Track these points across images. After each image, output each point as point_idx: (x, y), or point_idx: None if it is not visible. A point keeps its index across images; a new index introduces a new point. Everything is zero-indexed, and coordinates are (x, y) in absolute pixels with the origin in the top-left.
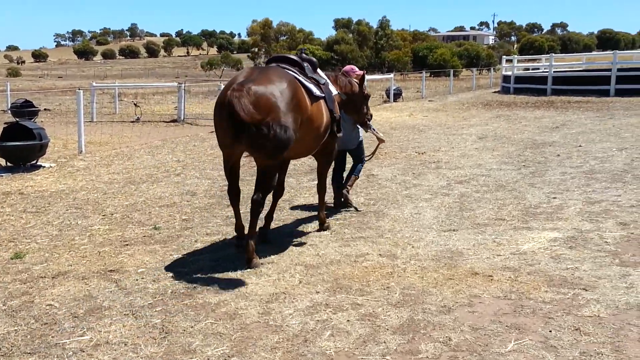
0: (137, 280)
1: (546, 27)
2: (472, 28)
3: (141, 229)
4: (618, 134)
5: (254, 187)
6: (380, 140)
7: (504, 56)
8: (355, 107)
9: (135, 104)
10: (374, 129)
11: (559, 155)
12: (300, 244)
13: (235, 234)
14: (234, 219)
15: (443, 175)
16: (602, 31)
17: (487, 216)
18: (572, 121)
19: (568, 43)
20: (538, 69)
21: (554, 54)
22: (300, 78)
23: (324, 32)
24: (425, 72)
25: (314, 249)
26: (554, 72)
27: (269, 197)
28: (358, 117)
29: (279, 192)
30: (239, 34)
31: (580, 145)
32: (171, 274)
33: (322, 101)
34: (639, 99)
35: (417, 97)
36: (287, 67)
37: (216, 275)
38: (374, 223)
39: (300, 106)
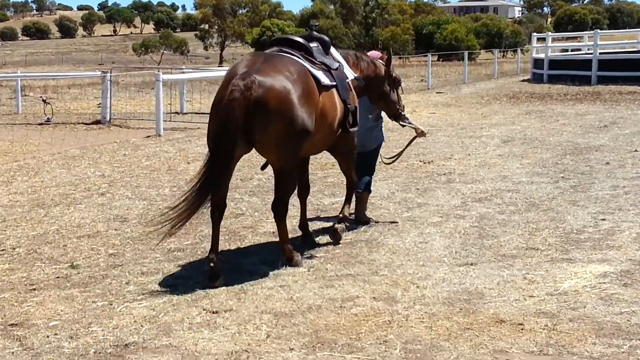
0: (48, 337)
1: None
2: None
3: (53, 268)
4: None
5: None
6: (420, 134)
7: (535, 34)
8: (382, 94)
9: (44, 101)
10: (409, 122)
11: (608, 163)
12: (268, 285)
13: (208, 257)
14: (210, 240)
15: (457, 192)
16: None
17: (515, 245)
18: (625, 118)
19: (618, 15)
20: (579, 50)
21: (600, 31)
22: (307, 65)
23: (298, 2)
24: (432, 55)
25: (285, 290)
26: (601, 54)
27: (296, 203)
28: (387, 107)
29: (304, 191)
30: (183, 7)
31: (636, 150)
32: (94, 328)
33: (333, 90)
34: None
35: (422, 88)
36: (291, 52)
37: (155, 328)
38: (365, 256)
39: (312, 99)
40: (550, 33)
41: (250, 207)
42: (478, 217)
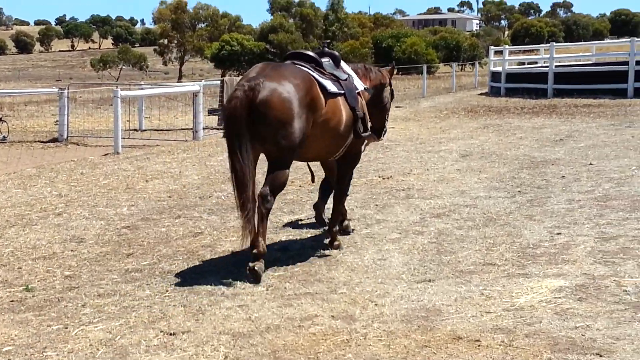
0: None
1: (545, 7)
2: (451, 10)
3: (7, 292)
4: (639, 147)
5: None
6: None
7: (492, 47)
8: (380, 102)
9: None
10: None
11: (563, 176)
12: (227, 305)
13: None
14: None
15: (415, 207)
16: (616, 12)
17: (472, 260)
18: (580, 131)
19: (574, 28)
20: (536, 62)
21: (555, 44)
22: (315, 74)
23: (257, 16)
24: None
25: (244, 310)
26: (556, 67)
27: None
28: (380, 116)
29: (327, 191)
30: (142, 21)
31: (590, 164)
32: (49, 353)
33: (340, 98)
34: None
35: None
36: (301, 63)
37: (111, 351)
38: (324, 274)
39: (314, 104)
40: (507, 46)
41: (209, 225)
42: (436, 233)
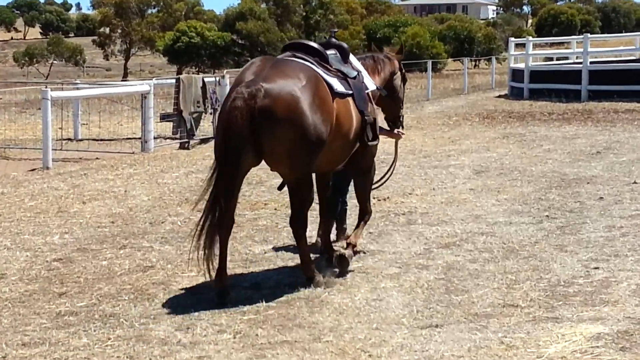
0: None
1: None
2: None
3: None
4: None
5: None
6: (397, 135)
7: (513, 39)
8: (392, 89)
9: None
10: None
11: (602, 198)
12: (184, 357)
13: (214, 281)
14: (216, 261)
15: (419, 236)
16: None
17: (489, 301)
18: (622, 142)
19: (613, 16)
20: (567, 58)
21: (590, 35)
22: (320, 71)
23: (221, 1)
24: None
25: None
26: (592, 63)
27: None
28: (393, 105)
29: (330, 213)
30: (78, 5)
31: (635, 182)
32: None
33: (349, 99)
34: None
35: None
36: (303, 57)
37: None
38: (305, 317)
39: (325, 106)
40: (531, 38)
41: (162, 257)
42: (445, 267)
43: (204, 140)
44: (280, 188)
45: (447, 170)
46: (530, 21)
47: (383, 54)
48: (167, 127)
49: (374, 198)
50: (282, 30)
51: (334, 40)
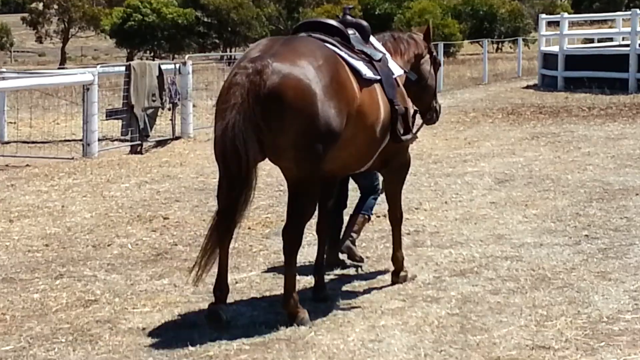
0: None
1: None
2: None
3: None
4: None
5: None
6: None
7: (544, 16)
8: (420, 78)
9: None
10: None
11: None
12: None
13: (213, 294)
14: (216, 271)
15: (427, 260)
16: None
17: (515, 342)
18: None
19: None
20: (611, 39)
21: (639, 11)
22: (343, 53)
23: None
24: None
25: None
26: None
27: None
28: (423, 96)
29: (327, 227)
30: None
31: None
32: None
33: (376, 86)
34: None
35: None
36: (321, 36)
37: None
38: None
39: (344, 93)
40: (566, 14)
41: (108, 289)
42: (460, 300)
43: (160, 143)
44: None
45: (463, 180)
46: None
47: (407, 34)
48: (115, 127)
49: (372, 214)
50: (257, 6)
51: (350, 17)
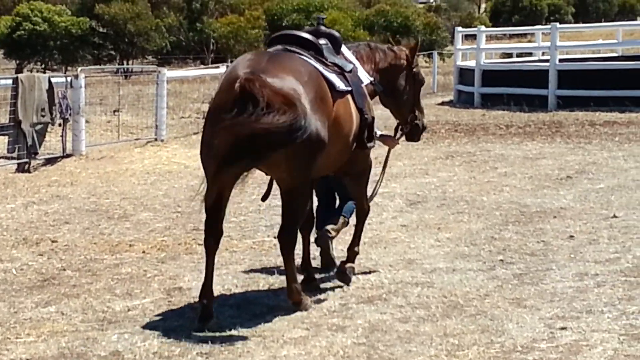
0: None
1: None
2: None
3: None
4: None
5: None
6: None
7: (460, 28)
8: (394, 90)
9: None
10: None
11: (572, 236)
12: None
13: (200, 293)
14: (203, 274)
15: (333, 287)
16: None
17: None
18: (599, 164)
19: (589, 1)
20: (530, 54)
21: (559, 25)
22: (319, 67)
23: None
24: None
25: None
26: (562, 61)
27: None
28: (397, 109)
29: (308, 224)
30: None
31: (614, 216)
32: None
33: (348, 97)
34: None
35: None
36: (297, 50)
37: None
38: None
39: (326, 106)
40: (484, 27)
41: None
42: (367, 329)
43: (50, 161)
44: (264, 199)
45: (373, 201)
46: (483, 6)
47: (387, 46)
48: (1, 143)
49: (274, 238)
50: (157, 16)
51: (323, 28)
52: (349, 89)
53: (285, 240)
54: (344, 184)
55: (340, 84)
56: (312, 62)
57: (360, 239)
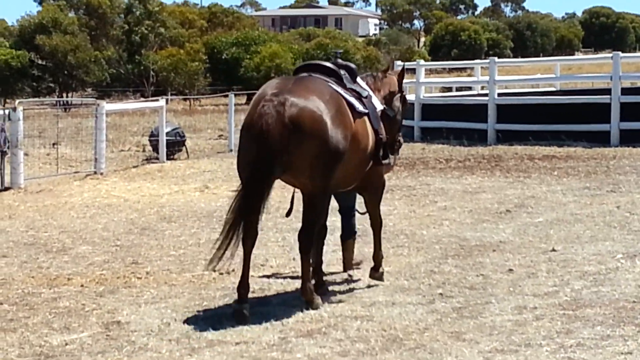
0: None
1: (483, 2)
2: (334, 2)
3: None
4: (627, 223)
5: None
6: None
7: (399, 62)
8: (389, 115)
9: None
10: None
11: (511, 270)
12: None
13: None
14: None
15: (273, 320)
16: (591, 12)
17: None
18: (538, 198)
19: (527, 34)
20: (470, 89)
21: (498, 59)
22: (340, 90)
23: (14, 7)
24: (237, 95)
25: None
26: (501, 95)
27: None
28: (390, 130)
29: (322, 232)
30: None
31: (553, 250)
32: None
33: (365, 118)
34: None
35: (221, 149)
36: (321, 77)
37: None
38: None
39: (346, 122)
40: (423, 62)
41: None
42: None
43: None
44: (288, 214)
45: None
46: (423, 40)
47: (382, 74)
48: None
49: (214, 271)
50: (96, 48)
51: (340, 60)
52: (367, 111)
53: (303, 240)
54: (349, 199)
55: (359, 106)
56: (334, 86)
57: (380, 245)
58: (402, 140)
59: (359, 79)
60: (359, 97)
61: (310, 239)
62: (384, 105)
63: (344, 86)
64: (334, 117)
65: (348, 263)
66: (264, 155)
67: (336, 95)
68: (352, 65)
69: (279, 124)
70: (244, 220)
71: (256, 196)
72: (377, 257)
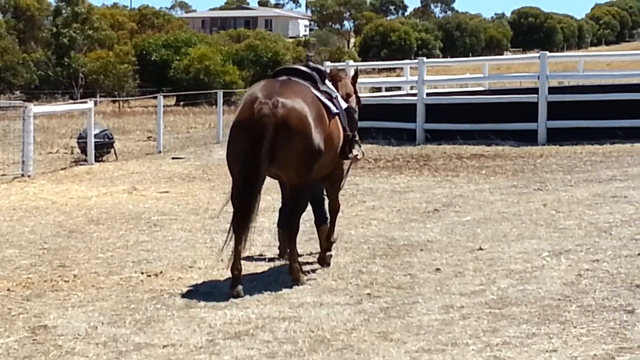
0: None
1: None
2: (263, 4)
3: None
4: (553, 221)
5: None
6: (355, 159)
7: (329, 63)
8: (347, 115)
9: None
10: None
11: (438, 269)
12: None
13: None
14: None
15: (200, 322)
16: (520, 12)
17: None
18: (466, 197)
19: (457, 35)
20: (399, 88)
21: (427, 59)
22: (317, 93)
23: None
24: (166, 97)
25: None
26: (429, 95)
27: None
28: (351, 128)
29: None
30: None
31: (480, 248)
32: None
33: (337, 118)
34: (593, 149)
35: (150, 151)
36: (299, 80)
37: None
38: None
39: (324, 122)
40: (352, 62)
41: None
42: None
43: None
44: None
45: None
46: (352, 40)
47: (338, 77)
48: None
49: (141, 274)
50: (25, 50)
51: (311, 64)
52: (338, 111)
53: (290, 226)
54: (318, 187)
55: (332, 107)
56: (312, 89)
57: (334, 230)
58: (357, 137)
59: (327, 81)
60: (330, 97)
61: (297, 226)
62: (347, 104)
63: (318, 88)
64: (315, 118)
65: (323, 245)
66: (259, 150)
67: (315, 99)
68: (322, 68)
69: (274, 123)
70: (241, 213)
71: (252, 186)
72: (329, 238)
